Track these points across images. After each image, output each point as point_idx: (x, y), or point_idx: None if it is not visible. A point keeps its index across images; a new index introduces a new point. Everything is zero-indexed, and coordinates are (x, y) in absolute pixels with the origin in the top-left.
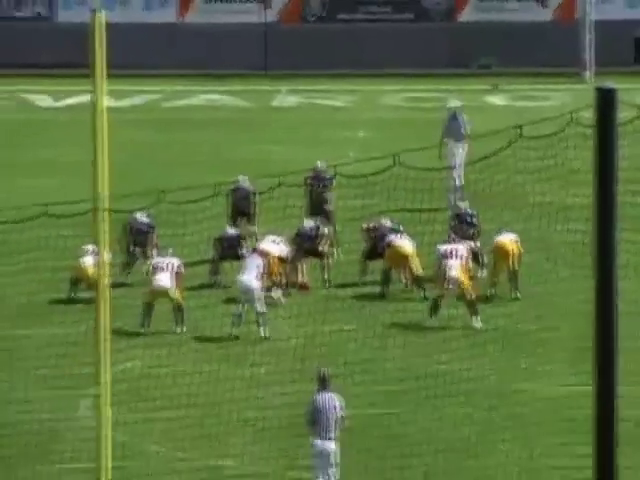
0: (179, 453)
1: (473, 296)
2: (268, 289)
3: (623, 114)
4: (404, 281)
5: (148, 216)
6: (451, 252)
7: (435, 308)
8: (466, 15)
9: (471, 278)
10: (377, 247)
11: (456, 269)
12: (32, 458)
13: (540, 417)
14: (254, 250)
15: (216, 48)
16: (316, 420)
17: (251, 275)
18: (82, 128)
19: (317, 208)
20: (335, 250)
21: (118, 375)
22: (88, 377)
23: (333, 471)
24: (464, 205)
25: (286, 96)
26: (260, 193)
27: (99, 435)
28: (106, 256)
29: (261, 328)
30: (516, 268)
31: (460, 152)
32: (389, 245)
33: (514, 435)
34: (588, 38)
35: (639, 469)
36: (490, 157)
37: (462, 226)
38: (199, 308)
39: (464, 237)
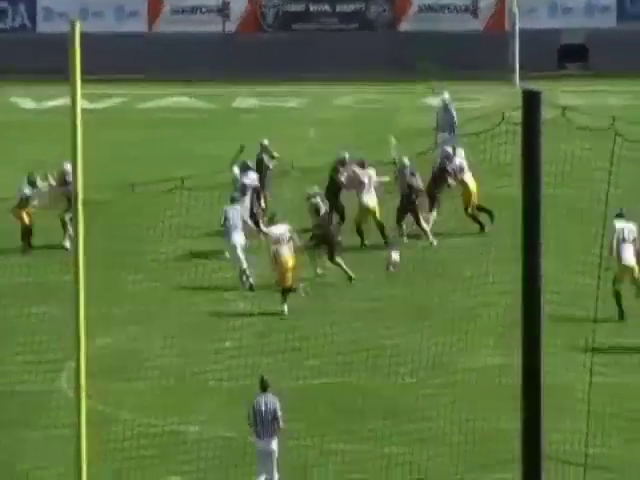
0: (150, 419)
1: None
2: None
3: (547, 113)
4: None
5: None
6: None
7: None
8: (406, 25)
9: None
10: None
11: None
12: (18, 425)
13: (474, 385)
14: (233, 200)
15: (181, 55)
16: (257, 421)
17: (237, 233)
18: (60, 128)
19: None
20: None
21: (97, 351)
22: (69, 351)
23: (274, 468)
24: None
25: (245, 98)
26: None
27: (77, 404)
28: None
29: (249, 279)
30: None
31: (451, 139)
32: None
33: (452, 400)
34: (516, 45)
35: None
36: (427, 153)
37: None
38: (170, 289)
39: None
